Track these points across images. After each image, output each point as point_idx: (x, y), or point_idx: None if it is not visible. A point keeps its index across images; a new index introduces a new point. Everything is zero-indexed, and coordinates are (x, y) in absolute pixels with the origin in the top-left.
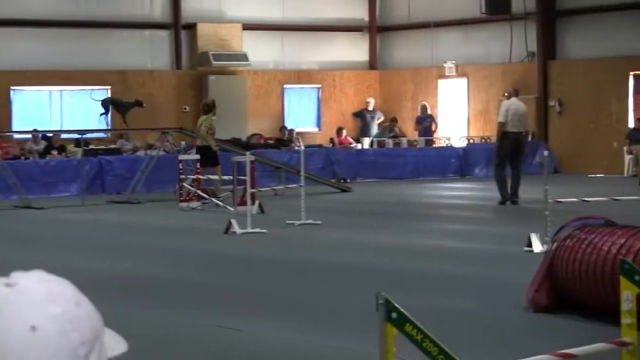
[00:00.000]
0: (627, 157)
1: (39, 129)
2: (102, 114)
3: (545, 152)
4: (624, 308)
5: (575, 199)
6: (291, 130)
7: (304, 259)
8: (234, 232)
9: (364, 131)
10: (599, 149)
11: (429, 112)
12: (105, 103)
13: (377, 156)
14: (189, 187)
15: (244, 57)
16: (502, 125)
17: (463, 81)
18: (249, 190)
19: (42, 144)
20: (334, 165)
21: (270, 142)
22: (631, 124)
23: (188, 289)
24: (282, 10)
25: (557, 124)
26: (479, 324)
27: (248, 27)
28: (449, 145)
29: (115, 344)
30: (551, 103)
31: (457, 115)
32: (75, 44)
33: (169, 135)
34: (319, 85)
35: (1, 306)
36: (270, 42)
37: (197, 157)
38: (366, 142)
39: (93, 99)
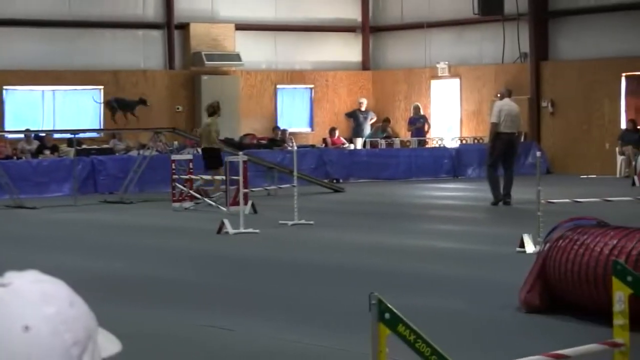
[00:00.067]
0: (620, 158)
1: (32, 128)
2: (112, 116)
3: (538, 153)
4: (617, 309)
5: (567, 200)
6: (284, 131)
7: (296, 259)
8: (227, 232)
9: (356, 131)
10: (591, 150)
11: (421, 112)
12: (110, 104)
13: (370, 156)
14: (182, 187)
15: (236, 57)
16: (495, 125)
17: (456, 82)
18: (242, 191)
19: (35, 144)
20: (326, 165)
21: (263, 142)
22: (623, 125)
23: (181, 289)
24: (275, 11)
25: (549, 125)
26: (472, 325)
27: (241, 27)
28: (441, 145)
29: (109, 344)
30: (544, 104)
31: (449, 116)
32: (68, 44)
33: (162, 135)
34: (311, 86)
35: None
36: (263, 42)
37: (190, 157)
38: (359, 143)
39: (96, 101)
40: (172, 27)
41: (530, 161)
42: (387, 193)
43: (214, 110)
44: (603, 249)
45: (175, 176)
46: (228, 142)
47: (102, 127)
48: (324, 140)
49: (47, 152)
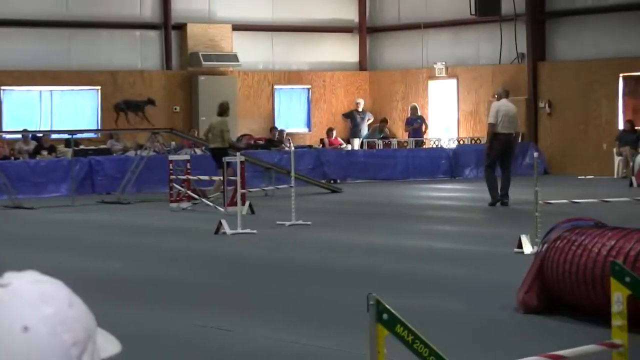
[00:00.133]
0: (617, 159)
1: (29, 129)
2: (125, 118)
3: (535, 154)
4: (615, 310)
5: (565, 201)
6: (281, 131)
7: (294, 260)
8: (225, 233)
9: (354, 132)
10: (588, 151)
11: (419, 113)
12: (119, 106)
13: (367, 157)
14: (179, 187)
15: (234, 57)
16: (492, 126)
17: (453, 82)
18: (240, 191)
19: (32, 144)
20: (324, 166)
21: (261, 142)
22: (621, 125)
23: (179, 289)
24: (272, 11)
25: (547, 126)
26: (470, 325)
27: (238, 27)
28: (439, 146)
29: (109, 344)
30: (541, 104)
31: (447, 116)
32: (65, 44)
33: (159, 135)
34: (309, 86)
35: None
36: (260, 42)
37: (187, 157)
38: (356, 143)
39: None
40: (170, 27)
41: (528, 162)
42: (384, 193)
43: (223, 110)
44: (601, 250)
45: (172, 176)
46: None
47: (99, 128)
48: (322, 140)
49: (45, 152)
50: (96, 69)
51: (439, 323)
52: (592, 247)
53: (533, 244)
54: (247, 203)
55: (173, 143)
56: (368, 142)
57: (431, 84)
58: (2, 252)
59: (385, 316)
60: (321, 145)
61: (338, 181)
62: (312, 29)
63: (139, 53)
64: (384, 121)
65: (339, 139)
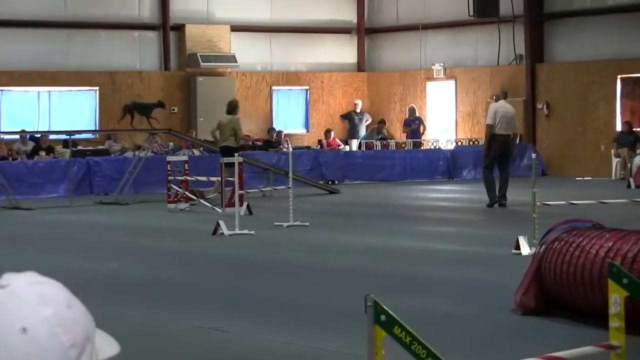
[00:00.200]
0: (615, 160)
1: (27, 129)
2: (123, 119)
3: (533, 155)
4: (612, 311)
5: (563, 202)
6: (279, 132)
7: (292, 261)
8: (222, 234)
9: (352, 133)
10: (586, 152)
11: (417, 114)
12: (128, 109)
13: (365, 158)
14: (177, 188)
15: (232, 58)
16: (490, 127)
17: (451, 83)
18: (237, 192)
19: (30, 145)
20: (322, 167)
21: (259, 143)
22: (619, 127)
23: (176, 290)
24: (270, 12)
25: (545, 127)
26: (467, 327)
27: (236, 28)
28: (437, 147)
29: (107, 346)
30: (539, 106)
31: (445, 118)
32: (63, 45)
33: (158, 136)
34: (307, 87)
35: None
36: (259, 43)
37: (185, 158)
38: (354, 144)
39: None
40: (168, 28)
41: (526, 163)
42: (382, 195)
43: (232, 108)
44: (599, 251)
45: (170, 177)
46: None
47: (97, 129)
48: (320, 141)
49: (43, 153)
50: (94, 69)
51: (436, 324)
52: (590, 248)
53: (531, 245)
54: (245, 204)
55: (171, 144)
56: (366, 143)
57: (429, 85)
58: (0, 253)
59: (383, 317)
60: (319, 146)
61: (336, 182)
62: (311, 30)
63: (138, 54)
64: (382, 122)
65: (337, 140)
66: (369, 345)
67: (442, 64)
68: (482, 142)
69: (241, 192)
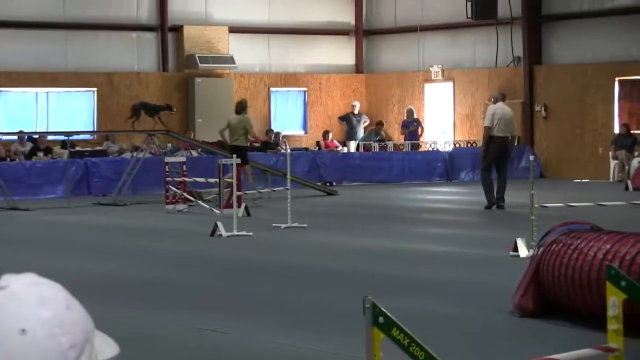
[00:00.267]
0: (613, 163)
1: (25, 130)
2: (131, 118)
3: (531, 157)
4: (610, 314)
5: (561, 204)
6: (277, 133)
7: (290, 262)
8: (220, 235)
9: (350, 135)
10: (584, 154)
11: (415, 116)
12: (136, 108)
13: (363, 160)
14: (175, 189)
15: (230, 59)
16: (488, 129)
17: (449, 85)
18: (235, 193)
19: (28, 146)
20: (320, 168)
21: (257, 145)
22: (617, 129)
23: (174, 292)
24: (269, 13)
25: (542, 129)
26: (465, 329)
27: (234, 29)
28: (434, 149)
29: (107, 347)
30: (537, 108)
31: (443, 119)
32: (61, 46)
33: (156, 137)
34: (305, 89)
35: None
36: (257, 44)
37: (183, 159)
38: (352, 146)
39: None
40: (166, 29)
41: (524, 165)
42: (380, 196)
43: (242, 107)
44: (597, 254)
45: (168, 178)
46: (221, 144)
47: (95, 129)
48: (318, 143)
49: (41, 154)
50: (93, 70)
51: (434, 326)
52: (588, 251)
53: (529, 247)
54: (243, 205)
55: (169, 145)
56: (364, 144)
57: (427, 86)
58: None
59: (381, 319)
60: (317, 148)
61: (334, 184)
62: (309, 31)
63: (136, 55)
64: (380, 124)
65: (335, 142)
66: (367, 347)
67: (440, 66)
68: (480, 144)
69: (239, 193)
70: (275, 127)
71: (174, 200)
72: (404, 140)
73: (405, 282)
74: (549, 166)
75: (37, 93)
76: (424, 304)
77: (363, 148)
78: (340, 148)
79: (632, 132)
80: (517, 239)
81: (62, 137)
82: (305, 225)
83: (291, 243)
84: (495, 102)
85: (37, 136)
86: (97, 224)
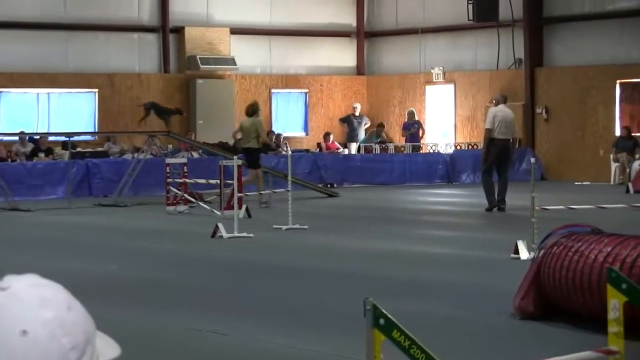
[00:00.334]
0: (614, 165)
1: (26, 131)
2: (144, 118)
3: (532, 159)
4: (611, 316)
5: (562, 207)
6: (279, 135)
7: (290, 264)
8: (221, 236)
9: (351, 136)
10: (585, 157)
11: (416, 118)
12: (147, 107)
13: (364, 162)
14: (176, 190)
15: (231, 61)
16: (489, 132)
17: (450, 87)
18: (236, 195)
19: (29, 147)
20: (321, 170)
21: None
22: (618, 132)
23: (175, 293)
24: (270, 15)
25: (544, 131)
26: (466, 331)
27: (236, 31)
28: (436, 151)
29: (108, 348)
30: (538, 110)
31: (444, 122)
32: (62, 47)
33: (157, 138)
34: (306, 90)
35: None
36: (258, 46)
37: (184, 160)
38: (353, 148)
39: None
40: (167, 30)
41: (525, 167)
42: (381, 198)
43: (254, 110)
44: (597, 256)
45: (169, 180)
46: (222, 146)
47: (96, 130)
48: (319, 144)
49: (42, 154)
50: (93, 71)
51: (435, 328)
52: (589, 253)
53: (529, 249)
54: (243, 207)
55: (170, 146)
56: (365, 146)
57: (428, 89)
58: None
59: (382, 321)
60: (318, 150)
61: (335, 185)
62: (310, 33)
63: (137, 56)
64: (381, 126)
65: (336, 144)
66: (368, 348)
67: (441, 68)
68: (481, 146)
69: (240, 194)
70: (276, 129)
71: (174, 202)
72: (405, 142)
73: (406, 284)
74: (550, 168)
75: (38, 94)
76: (425, 306)
77: (364, 150)
78: (341, 150)
79: (633, 134)
80: (517, 241)
81: (63, 138)
82: (306, 226)
83: (292, 245)
84: (496, 104)
85: (38, 137)
86: (98, 225)
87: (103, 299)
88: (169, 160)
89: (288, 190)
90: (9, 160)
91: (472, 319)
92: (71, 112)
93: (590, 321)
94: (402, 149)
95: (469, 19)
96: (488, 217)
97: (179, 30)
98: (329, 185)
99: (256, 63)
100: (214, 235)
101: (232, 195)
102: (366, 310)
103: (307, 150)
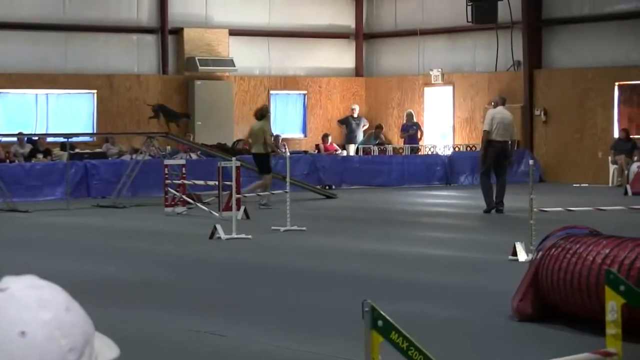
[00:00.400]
0: (612, 167)
1: (25, 132)
2: (153, 118)
3: (531, 161)
4: (609, 318)
5: (560, 209)
6: (277, 136)
7: (289, 265)
8: (219, 238)
9: (349, 138)
10: (584, 159)
11: (414, 119)
12: (155, 109)
13: (363, 163)
14: (175, 191)
15: (230, 62)
16: (486, 133)
17: (449, 89)
18: (235, 196)
19: (28, 147)
20: (319, 171)
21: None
22: (616, 134)
23: (173, 294)
24: (269, 16)
25: (542, 133)
26: (464, 332)
27: (234, 32)
28: (434, 153)
29: (107, 349)
30: (537, 112)
31: (442, 123)
32: (61, 48)
33: (155, 139)
34: (305, 92)
35: None
36: (257, 47)
37: (183, 162)
38: (351, 149)
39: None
40: (166, 31)
41: (523, 169)
42: (379, 200)
43: (262, 114)
44: (596, 258)
45: (168, 181)
46: (221, 147)
47: (95, 131)
48: (317, 146)
49: (40, 155)
50: (92, 72)
51: (433, 330)
52: (587, 255)
53: (528, 251)
54: (242, 208)
55: (168, 147)
56: (363, 148)
57: (427, 90)
58: None
59: (380, 323)
60: (316, 151)
61: (333, 187)
62: (309, 34)
63: (136, 57)
64: (380, 127)
65: (335, 145)
66: (366, 350)
67: (440, 70)
68: (479, 148)
69: (238, 196)
70: (274, 130)
71: (173, 203)
72: (404, 143)
73: (404, 285)
74: (549, 170)
75: (36, 95)
76: (423, 308)
77: (362, 151)
78: (339, 151)
79: (631, 136)
80: (516, 243)
81: (61, 139)
82: (304, 228)
83: (290, 246)
84: (495, 106)
85: (36, 138)
86: (96, 226)
87: (101, 300)
88: (167, 162)
89: (286, 192)
90: (8, 161)
91: (470, 321)
92: (70, 113)
93: (589, 323)
94: (401, 150)
95: (467, 21)
96: (486, 219)
97: (177, 32)
98: (327, 187)
99: (255, 64)
100: (212, 236)
101: (231, 196)
102: (364, 311)
103: (306, 152)
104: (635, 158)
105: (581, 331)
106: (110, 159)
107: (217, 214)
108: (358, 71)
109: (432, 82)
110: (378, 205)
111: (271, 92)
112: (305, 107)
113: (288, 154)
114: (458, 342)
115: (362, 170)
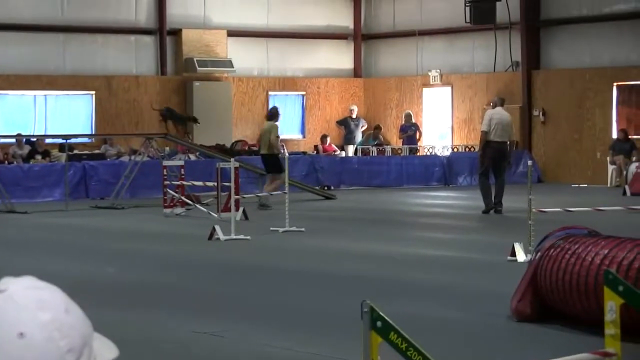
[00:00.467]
0: (611, 168)
1: (23, 133)
2: (161, 121)
3: (529, 162)
4: (608, 319)
5: (559, 209)
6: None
7: (287, 266)
8: (218, 239)
9: (348, 139)
10: (582, 159)
11: (413, 120)
12: (163, 114)
13: (361, 164)
14: (173, 192)
15: (228, 63)
16: (485, 134)
17: (447, 90)
18: (233, 197)
19: (26, 149)
20: (318, 172)
21: (255, 148)
22: (615, 134)
23: (172, 295)
24: (267, 17)
25: (541, 134)
26: (463, 333)
27: (233, 33)
28: (432, 153)
29: (106, 350)
30: (535, 113)
31: (441, 124)
32: (60, 49)
33: (154, 141)
34: (303, 93)
35: None
36: (255, 48)
37: (181, 163)
38: (350, 150)
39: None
40: (165, 33)
41: (522, 170)
42: (378, 200)
43: (272, 115)
44: (594, 259)
45: (166, 182)
46: (219, 148)
47: (93, 133)
48: (316, 147)
49: (39, 157)
50: (91, 73)
51: (432, 330)
52: (586, 255)
53: (526, 252)
54: (240, 209)
55: (167, 148)
56: (362, 149)
57: (426, 91)
58: None
59: (379, 323)
60: (315, 152)
61: (332, 188)
62: (307, 35)
63: (134, 58)
64: (378, 128)
65: (333, 146)
66: (365, 351)
67: (438, 71)
68: (477, 148)
69: (237, 197)
70: None
71: (172, 204)
72: (402, 144)
73: (403, 286)
74: (547, 171)
75: (35, 96)
76: (422, 309)
77: (361, 152)
78: (338, 152)
79: (630, 137)
80: (514, 243)
81: (60, 140)
82: (303, 229)
83: (289, 247)
84: (494, 106)
85: (35, 139)
86: (95, 227)
87: (100, 301)
88: (166, 163)
89: (285, 193)
90: (6, 162)
91: (469, 321)
92: (68, 114)
93: (587, 323)
94: (399, 151)
95: (466, 22)
96: (485, 220)
97: (176, 33)
98: (325, 188)
99: (253, 65)
100: (211, 237)
101: (229, 197)
102: (363, 312)
103: (304, 153)
104: (634, 158)
105: (580, 331)
106: (108, 160)
107: (215, 215)
108: (356, 72)
109: (431, 82)
110: (377, 206)
111: (270, 93)
112: (303, 108)
113: (287, 154)
114: (457, 343)
115: (361, 171)
